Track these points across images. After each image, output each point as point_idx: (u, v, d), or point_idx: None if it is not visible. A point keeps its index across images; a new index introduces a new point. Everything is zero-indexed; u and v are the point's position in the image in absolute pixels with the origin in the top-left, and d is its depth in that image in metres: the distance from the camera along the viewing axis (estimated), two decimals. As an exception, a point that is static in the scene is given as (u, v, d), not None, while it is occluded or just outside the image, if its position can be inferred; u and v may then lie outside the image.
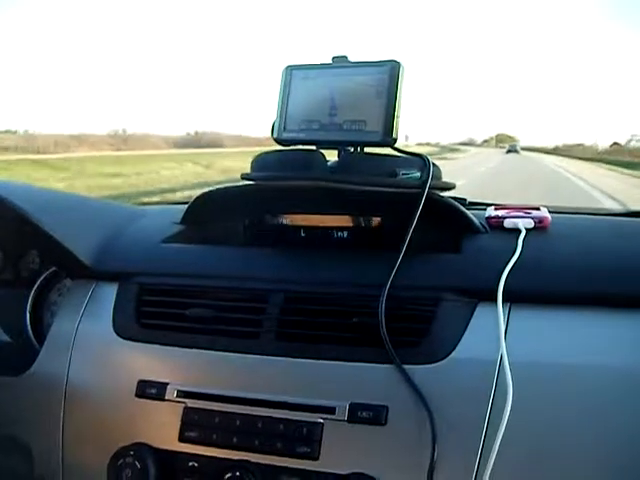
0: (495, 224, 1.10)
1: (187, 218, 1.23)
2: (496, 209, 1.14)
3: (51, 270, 1.31)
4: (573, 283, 0.96)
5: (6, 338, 1.29)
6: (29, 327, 1.28)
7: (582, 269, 0.98)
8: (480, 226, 1.09)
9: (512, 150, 71.78)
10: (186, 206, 1.24)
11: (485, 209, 1.16)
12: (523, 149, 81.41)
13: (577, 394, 0.87)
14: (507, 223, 1.08)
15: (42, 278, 1.32)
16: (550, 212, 1.12)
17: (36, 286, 1.31)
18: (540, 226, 1.08)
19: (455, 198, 1.17)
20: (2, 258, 1.36)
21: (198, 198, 1.22)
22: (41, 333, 1.27)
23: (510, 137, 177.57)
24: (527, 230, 1.05)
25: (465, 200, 1.28)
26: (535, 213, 1.10)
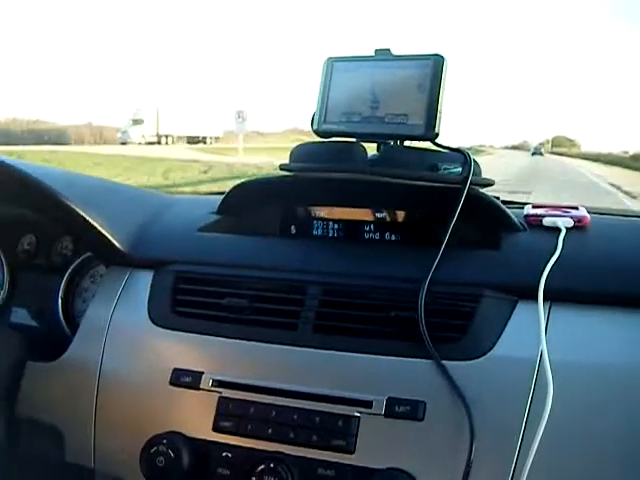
0: (534, 222, 1.09)
1: (224, 208, 1.23)
2: (534, 207, 1.13)
3: (84, 256, 1.31)
4: (614, 283, 0.95)
5: (37, 324, 1.29)
6: (61, 313, 1.28)
7: (622, 269, 0.97)
8: (519, 224, 1.08)
9: (537, 152, 72.43)
10: (222, 196, 1.24)
11: (521, 207, 1.15)
12: (581, 155, 74.59)
13: (617, 395, 0.86)
14: (546, 221, 1.07)
15: (75, 264, 1.31)
16: (588, 212, 1.11)
17: (68, 272, 1.31)
18: (579, 225, 1.07)
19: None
20: (35, 243, 1.37)
21: (235, 188, 1.22)
22: (72, 319, 1.27)
23: (570, 140, 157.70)
24: (567, 229, 1.04)
25: (499, 198, 1.28)
26: (574, 212, 1.09)
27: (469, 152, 1.08)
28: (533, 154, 68.43)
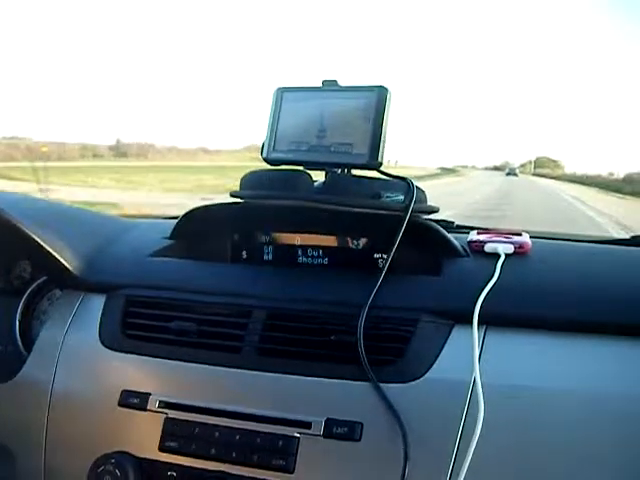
0: (476, 248, 1.12)
1: (176, 233, 1.26)
2: (479, 233, 1.16)
3: (42, 279, 1.33)
4: (549, 308, 0.98)
5: None
6: (18, 335, 1.30)
7: (558, 294, 1.00)
8: (462, 250, 1.11)
9: (511, 173, 72.81)
10: (175, 221, 1.27)
11: (469, 232, 1.19)
12: (566, 177, 70.77)
13: (549, 418, 0.89)
14: (487, 247, 1.10)
15: (32, 287, 1.33)
16: (532, 237, 1.14)
17: (26, 295, 1.33)
18: (520, 251, 1.10)
19: (442, 221, 1.19)
20: None
21: (187, 214, 1.24)
22: (30, 341, 1.28)
23: (553, 161, 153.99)
24: (507, 255, 1.07)
25: (453, 223, 1.31)
26: (516, 238, 1.12)
27: (412, 180, 1.11)
28: (507, 174, 68.92)
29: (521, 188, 33.33)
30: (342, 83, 1.14)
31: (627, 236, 1.34)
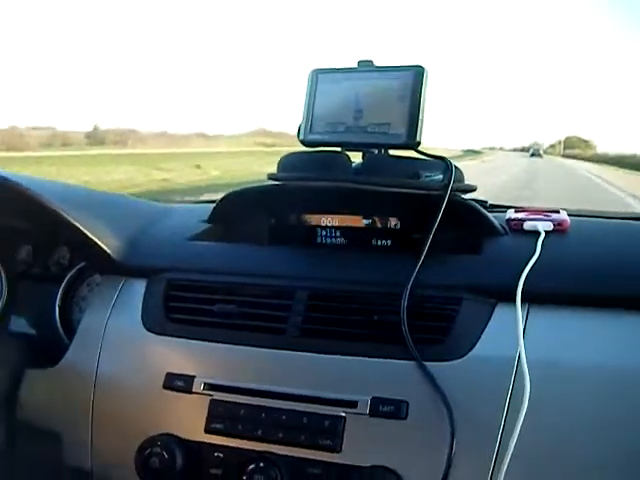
0: (515, 226, 1.12)
1: (214, 217, 1.27)
2: (516, 212, 1.17)
3: (80, 265, 1.35)
4: (591, 285, 0.99)
5: (35, 331, 1.33)
6: (58, 321, 1.32)
7: (600, 271, 1.00)
8: (500, 228, 1.12)
9: (535, 154, 71.26)
10: (213, 205, 1.28)
11: (505, 211, 1.19)
12: (598, 158, 62.56)
13: (594, 395, 0.90)
14: (527, 225, 1.11)
15: (71, 273, 1.35)
16: (570, 215, 1.14)
17: (65, 281, 1.35)
18: (559, 229, 1.10)
19: (476, 200, 1.20)
20: (32, 253, 1.41)
21: (225, 197, 1.26)
22: (70, 327, 1.30)
23: (585, 141, 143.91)
24: (546, 232, 1.08)
25: (486, 202, 1.31)
26: (554, 216, 1.13)
27: (450, 160, 1.11)
28: (532, 155, 67.23)
29: (544, 174, 26.46)
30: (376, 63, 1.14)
31: None
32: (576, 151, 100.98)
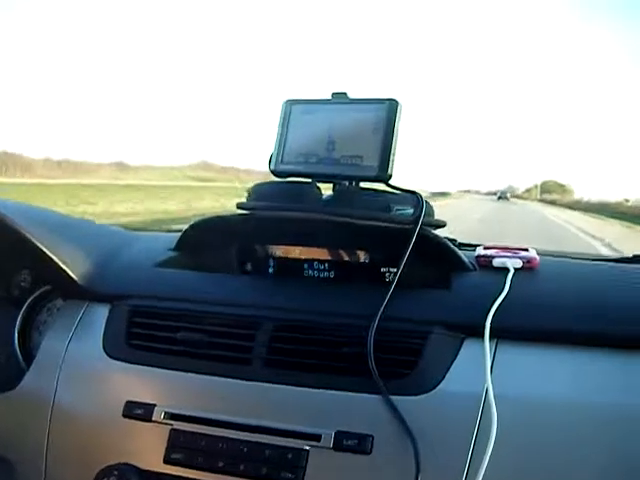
0: (484, 263, 1.14)
1: (181, 245, 1.27)
2: (485, 249, 1.18)
3: (42, 290, 1.34)
4: (560, 322, 1.00)
5: None
6: (17, 346, 1.30)
7: (568, 309, 1.02)
8: (470, 264, 1.13)
9: (502, 197, 72.20)
10: (180, 233, 1.28)
11: (474, 250, 1.20)
12: (579, 205, 56.02)
13: (561, 431, 0.91)
14: (496, 262, 1.12)
15: (32, 297, 1.34)
16: (539, 254, 1.16)
17: (26, 305, 1.33)
18: (528, 266, 1.12)
19: (445, 238, 1.21)
20: None
21: (193, 225, 1.26)
22: (29, 353, 1.28)
23: (561, 186, 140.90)
24: (515, 269, 1.09)
25: (455, 241, 1.32)
26: (524, 254, 1.15)
27: (421, 194, 1.12)
28: (499, 198, 68.06)
29: (508, 224, 20.90)
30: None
31: (630, 255, 1.35)
32: (554, 196, 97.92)
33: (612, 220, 30.59)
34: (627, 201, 57.05)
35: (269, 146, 1.18)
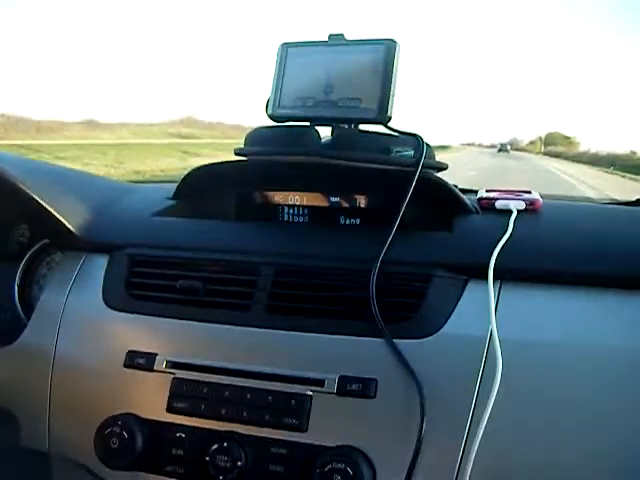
0: (487, 205, 1.13)
1: (179, 193, 1.26)
2: (488, 191, 1.18)
3: (40, 244, 1.34)
4: (563, 262, 0.99)
5: None
6: (17, 301, 1.31)
7: (572, 249, 1.01)
8: (472, 207, 1.12)
9: (503, 149, 71.67)
10: (178, 182, 1.27)
11: (476, 193, 1.19)
12: (588, 158, 52.19)
13: (564, 371, 0.90)
14: (499, 204, 1.11)
15: (31, 252, 1.34)
16: (542, 197, 1.15)
17: (25, 260, 1.33)
18: (532, 208, 1.11)
19: None
20: None
21: (190, 173, 1.25)
22: (30, 307, 1.29)
23: (567, 138, 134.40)
24: (518, 211, 1.08)
25: (456, 186, 1.31)
26: (527, 196, 1.14)
27: (422, 136, 1.10)
28: (499, 151, 67.37)
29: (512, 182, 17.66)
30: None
31: (633, 199, 1.35)
32: (559, 148, 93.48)
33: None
34: (634, 153, 53.59)
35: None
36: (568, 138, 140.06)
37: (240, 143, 1.22)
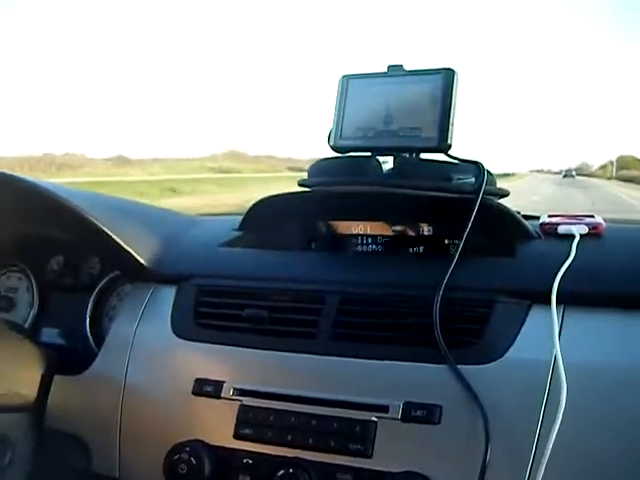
0: (549, 230, 1.13)
1: (245, 224, 1.29)
2: (550, 216, 1.17)
3: (111, 275, 1.38)
4: (627, 286, 0.98)
5: (66, 342, 1.35)
6: (88, 332, 1.35)
7: (636, 272, 1.00)
8: (534, 232, 1.12)
9: (568, 175, 69.81)
10: (242, 215, 1.30)
11: (538, 219, 1.18)
12: None
13: (631, 397, 0.89)
14: (561, 229, 1.11)
15: (102, 283, 1.38)
16: (605, 221, 1.14)
17: (96, 291, 1.38)
18: (594, 232, 1.10)
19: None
20: (63, 263, 1.43)
21: (256, 205, 1.28)
22: (100, 337, 1.32)
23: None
24: (581, 235, 1.08)
25: (518, 212, 1.31)
26: (589, 220, 1.13)
27: (482, 163, 1.11)
28: (564, 177, 65.62)
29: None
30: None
31: None
32: (632, 172, 79.58)
33: None
34: None
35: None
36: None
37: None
